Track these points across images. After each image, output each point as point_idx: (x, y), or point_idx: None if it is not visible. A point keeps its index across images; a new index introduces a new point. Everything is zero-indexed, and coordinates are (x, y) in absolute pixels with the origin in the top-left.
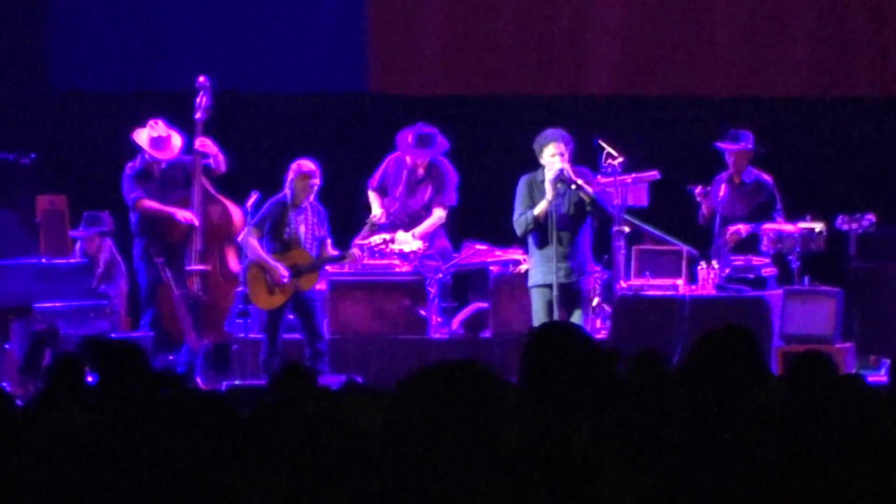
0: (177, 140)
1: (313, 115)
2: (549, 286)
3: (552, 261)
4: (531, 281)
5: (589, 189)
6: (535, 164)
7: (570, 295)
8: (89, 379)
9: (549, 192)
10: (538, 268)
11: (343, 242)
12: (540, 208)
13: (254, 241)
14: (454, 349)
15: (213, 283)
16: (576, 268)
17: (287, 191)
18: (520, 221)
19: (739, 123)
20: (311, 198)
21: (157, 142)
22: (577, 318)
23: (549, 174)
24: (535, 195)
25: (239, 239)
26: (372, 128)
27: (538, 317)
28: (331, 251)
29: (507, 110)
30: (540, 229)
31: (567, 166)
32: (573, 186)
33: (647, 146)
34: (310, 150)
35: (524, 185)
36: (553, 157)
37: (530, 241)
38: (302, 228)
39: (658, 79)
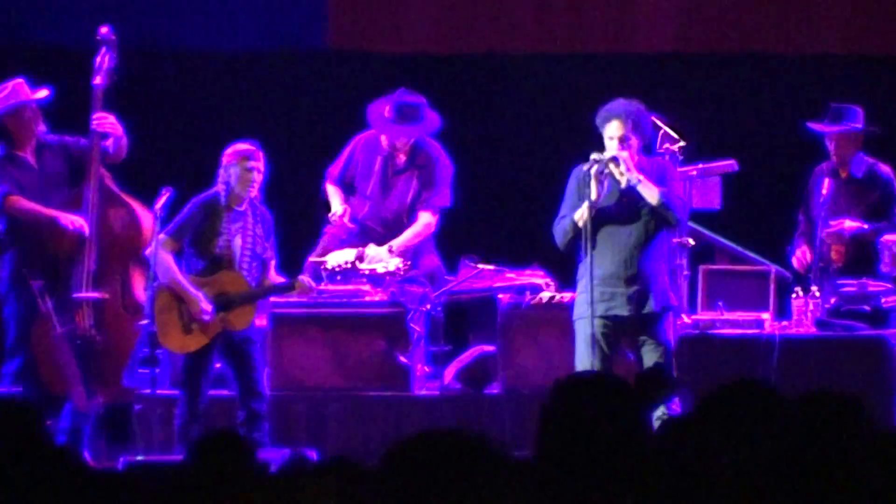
0: (42, 92)
1: (253, 82)
2: (600, 318)
3: (601, 285)
4: (575, 312)
5: (652, 189)
6: (569, 153)
7: (635, 336)
8: None
9: (592, 190)
10: (585, 293)
11: (293, 262)
12: (580, 212)
13: (167, 257)
14: (448, 410)
15: (111, 317)
16: (640, 297)
17: (220, 186)
18: (557, 228)
19: (845, 93)
20: (254, 192)
21: (6, 97)
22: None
23: (594, 172)
24: (585, 192)
25: (147, 253)
26: (333, 97)
27: (583, 361)
28: (274, 277)
29: (524, 75)
30: (587, 240)
31: (624, 155)
32: (632, 182)
33: (719, 125)
34: (249, 130)
35: (574, 181)
36: (611, 141)
37: (581, 257)
38: (238, 241)
39: (732, 31)
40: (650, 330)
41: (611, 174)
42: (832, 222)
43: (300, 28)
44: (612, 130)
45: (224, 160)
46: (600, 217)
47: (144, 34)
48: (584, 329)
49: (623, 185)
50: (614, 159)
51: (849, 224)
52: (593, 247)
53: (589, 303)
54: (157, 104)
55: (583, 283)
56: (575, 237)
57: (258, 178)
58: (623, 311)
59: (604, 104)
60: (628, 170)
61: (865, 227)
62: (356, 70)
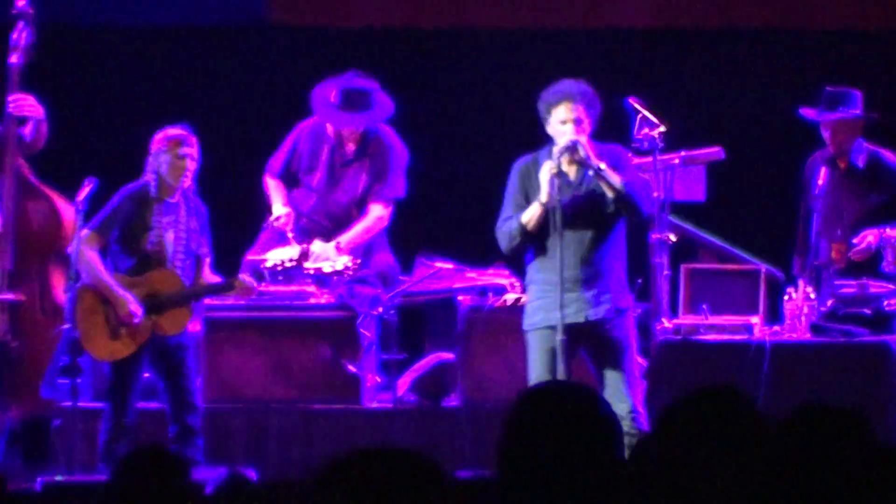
0: None
1: (186, 60)
2: (555, 329)
3: (557, 290)
4: (527, 321)
5: (615, 178)
6: (536, 139)
7: (594, 343)
8: None
9: (542, 189)
10: (537, 300)
11: (229, 260)
12: (531, 213)
13: (91, 255)
14: (402, 425)
15: (28, 321)
16: (598, 300)
17: (149, 176)
18: (503, 231)
19: (843, 74)
20: (187, 182)
21: None
22: (614, 381)
23: (545, 173)
24: (532, 189)
25: (69, 250)
26: (274, 78)
27: (536, 374)
28: (209, 276)
29: (488, 52)
30: (536, 241)
31: (583, 140)
32: (591, 171)
33: (704, 109)
34: (181, 114)
35: (517, 176)
36: (564, 126)
37: (528, 259)
38: (170, 236)
39: (719, 5)
40: (608, 335)
41: (560, 167)
42: (855, 240)
43: (238, 0)
44: (563, 113)
45: (153, 147)
46: (553, 212)
47: (66, 7)
48: (539, 340)
49: (573, 177)
50: (573, 145)
51: (871, 238)
52: (542, 251)
53: (545, 310)
54: (79, 85)
55: (533, 288)
56: (523, 242)
57: (191, 166)
58: (579, 317)
59: (546, 87)
60: (587, 156)
61: (888, 230)
62: (301, 47)
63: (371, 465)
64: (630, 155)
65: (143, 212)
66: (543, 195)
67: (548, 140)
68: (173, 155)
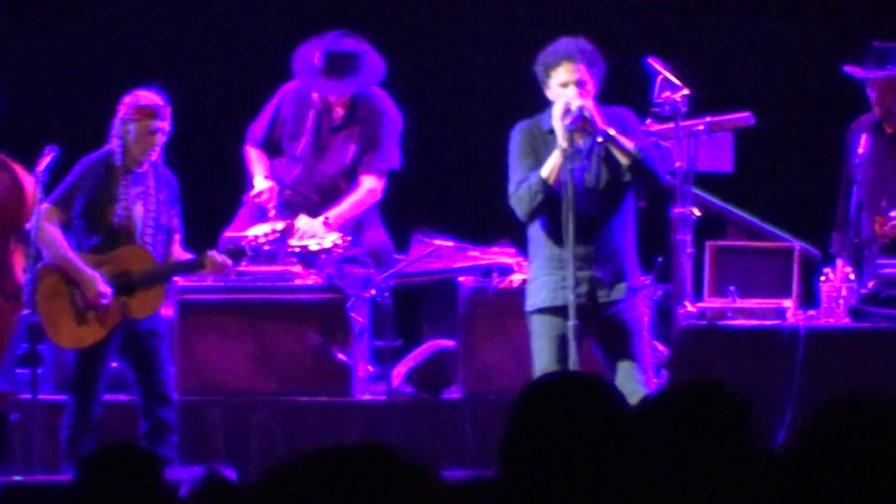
0: None
1: (156, 14)
2: (562, 310)
3: (567, 267)
4: (530, 301)
5: (628, 143)
6: (537, 103)
7: (604, 327)
8: None
9: (560, 138)
10: (542, 278)
11: (203, 238)
12: (551, 163)
13: (53, 230)
14: (396, 418)
15: None
16: (608, 279)
17: (114, 142)
18: (520, 194)
19: (891, 30)
20: (154, 156)
21: None
22: (625, 370)
23: (558, 113)
24: (540, 152)
25: (28, 227)
26: (255, 33)
27: (543, 363)
28: (179, 253)
29: (491, 8)
30: (549, 211)
31: (590, 103)
32: (600, 138)
33: (732, 69)
34: (150, 72)
35: (522, 139)
36: (566, 88)
37: (533, 232)
38: (139, 208)
39: None
40: (620, 317)
41: (575, 127)
42: (894, 213)
43: None
44: (563, 75)
45: (121, 111)
46: (565, 185)
47: None
48: (545, 325)
49: (580, 144)
50: (579, 113)
51: None
52: (548, 224)
53: (550, 288)
54: (37, 41)
55: (536, 265)
56: (544, 201)
57: (162, 140)
58: (590, 298)
59: (544, 48)
60: (594, 121)
61: None
62: (285, 1)
63: (326, 466)
64: (639, 118)
65: (109, 183)
66: (561, 139)
67: (546, 105)
68: (143, 127)
